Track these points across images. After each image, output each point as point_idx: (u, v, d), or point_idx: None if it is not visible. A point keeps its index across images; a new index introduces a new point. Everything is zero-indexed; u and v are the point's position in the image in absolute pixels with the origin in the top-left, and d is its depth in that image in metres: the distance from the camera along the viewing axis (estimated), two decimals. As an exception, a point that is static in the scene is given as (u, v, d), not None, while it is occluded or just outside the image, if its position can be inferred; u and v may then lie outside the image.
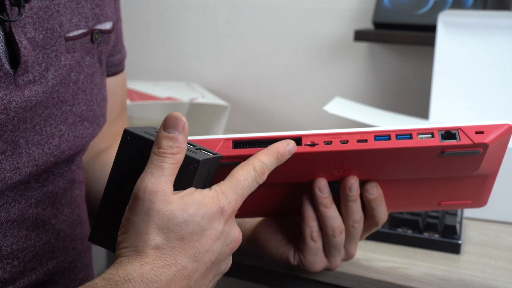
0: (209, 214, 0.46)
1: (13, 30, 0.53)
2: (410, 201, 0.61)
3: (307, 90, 1.40)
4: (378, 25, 1.19)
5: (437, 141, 0.51)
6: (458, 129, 0.51)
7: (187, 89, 1.38)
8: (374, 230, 0.62)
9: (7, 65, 0.53)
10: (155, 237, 0.45)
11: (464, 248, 0.76)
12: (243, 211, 0.60)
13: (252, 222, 0.66)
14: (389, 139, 0.51)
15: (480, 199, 0.60)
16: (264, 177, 0.50)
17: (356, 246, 0.62)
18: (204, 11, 1.46)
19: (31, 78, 0.55)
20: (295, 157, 0.52)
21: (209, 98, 1.32)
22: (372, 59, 1.32)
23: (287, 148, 0.51)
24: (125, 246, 0.45)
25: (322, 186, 0.57)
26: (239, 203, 0.48)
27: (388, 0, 1.18)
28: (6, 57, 0.53)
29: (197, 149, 0.50)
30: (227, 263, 0.50)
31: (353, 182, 0.56)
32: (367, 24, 1.27)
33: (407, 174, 0.55)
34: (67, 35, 0.60)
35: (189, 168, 0.47)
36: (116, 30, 0.72)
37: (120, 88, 0.79)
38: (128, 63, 0.81)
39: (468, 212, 0.86)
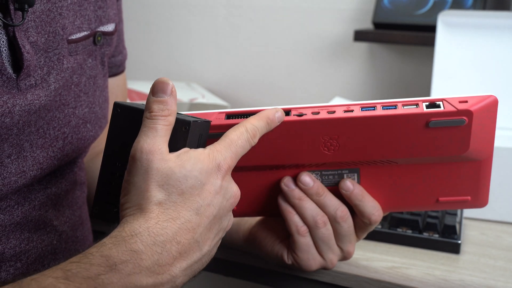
0: (206, 169, 0.48)
1: (17, 35, 0.53)
2: (407, 197, 0.60)
3: (307, 90, 1.40)
4: (378, 25, 1.19)
5: (421, 110, 0.52)
6: (443, 100, 0.52)
7: (187, 89, 1.38)
8: (369, 228, 0.61)
9: (10, 70, 0.53)
10: (156, 194, 0.46)
11: (464, 248, 0.76)
12: (240, 209, 0.61)
13: (250, 222, 0.66)
14: (375, 109, 0.53)
15: (479, 195, 0.60)
16: (256, 140, 0.52)
17: (351, 245, 0.61)
18: (204, 11, 1.46)
19: (33, 82, 0.55)
20: (284, 127, 0.53)
21: (209, 98, 1.32)
22: (372, 59, 1.32)
23: (276, 114, 0.53)
24: (128, 207, 0.47)
25: (287, 180, 0.58)
26: (234, 161, 0.50)
27: (388, 0, 1.18)
28: (9, 61, 0.53)
29: (187, 115, 0.52)
30: (229, 219, 0.51)
31: (304, 176, 0.58)
32: (367, 24, 1.28)
33: (397, 153, 0.55)
34: (69, 38, 0.60)
35: (181, 130, 0.49)
36: (118, 31, 0.72)
37: (121, 89, 0.79)
38: (128, 63, 0.81)
39: (467, 212, 0.86)
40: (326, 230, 0.59)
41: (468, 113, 0.51)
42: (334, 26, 1.34)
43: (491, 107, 0.52)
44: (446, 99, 0.52)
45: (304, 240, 0.59)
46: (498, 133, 0.94)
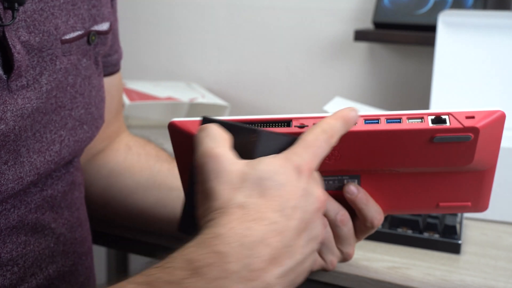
0: (282, 171, 0.44)
1: (7, 35, 0.52)
2: (407, 201, 0.60)
3: (307, 90, 1.40)
4: (378, 25, 1.19)
5: (426, 125, 0.51)
6: (449, 114, 0.51)
7: (187, 89, 1.38)
8: (370, 231, 0.60)
9: (0, 71, 0.52)
10: (235, 196, 0.43)
11: (464, 248, 0.76)
12: None
13: None
14: (379, 122, 0.52)
15: (479, 201, 0.59)
16: (334, 140, 0.48)
17: (351, 247, 0.60)
18: (204, 11, 1.46)
19: (25, 82, 0.54)
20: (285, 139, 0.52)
21: (208, 98, 1.32)
22: (372, 59, 1.32)
23: (351, 113, 0.49)
24: (207, 214, 0.44)
25: None
26: (315, 163, 0.46)
27: (388, 0, 1.18)
28: None
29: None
30: (318, 228, 0.47)
31: None
32: (367, 24, 1.27)
33: (399, 164, 0.55)
34: (63, 38, 0.59)
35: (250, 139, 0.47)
36: (113, 30, 0.71)
37: (117, 88, 0.78)
38: (128, 63, 0.80)
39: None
40: (326, 233, 0.58)
41: (474, 130, 0.50)
42: (334, 26, 1.33)
43: (498, 122, 0.51)
44: (452, 113, 0.51)
45: None
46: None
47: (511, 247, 0.77)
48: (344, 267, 0.69)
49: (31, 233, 0.60)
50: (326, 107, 0.99)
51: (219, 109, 1.32)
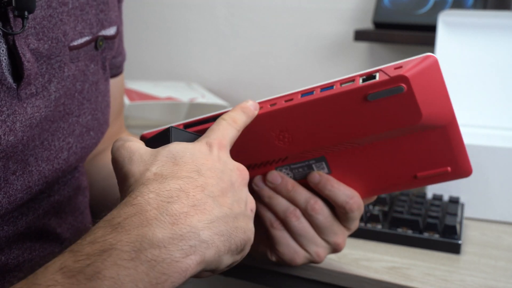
0: (192, 147, 0.46)
1: (17, 43, 0.51)
2: (383, 178, 0.59)
3: (307, 90, 1.40)
4: (378, 25, 1.19)
5: (357, 84, 0.50)
6: (379, 70, 0.50)
7: (187, 89, 1.38)
8: (352, 217, 0.59)
9: (10, 79, 0.51)
10: (149, 169, 0.44)
11: (464, 248, 0.76)
12: None
13: None
14: (314, 93, 0.52)
15: (458, 164, 0.56)
16: (238, 125, 0.51)
17: (338, 237, 0.60)
18: (204, 11, 1.46)
19: (34, 90, 0.53)
20: None
21: (209, 98, 1.32)
22: (372, 59, 1.32)
23: (248, 103, 0.53)
24: (125, 189, 0.45)
25: (257, 180, 0.59)
26: (224, 140, 0.49)
27: (388, 0, 1.18)
28: (9, 70, 0.51)
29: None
30: (246, 194, 0.48)
31: (270, 174, 0.58)
32: (367, 24, 1.27)
33: (352, 134, 0.54)
34: (71, 44, 0.58)
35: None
36: (119, 33, 0.71)
37: (119, 90, 0.78)
38: (128, 63, 0.80)
39: (468, 212, 0.86)
40: (299, 223, 0.58)
41: (403, 79, 0.49)
42: (334, 26, 1.33)
43: (430, 68, 0.49)
44: (382, 68, 0.50)
45: (279, 233, 0.59)
46: (498, 133, 0.94)
47: (511, 247, 0.77)
48: (344, 267, 0.69)
49: (36, 239, 0.59)
50: (326, 107, 0.99)
51: (219, 109, 1.31)
